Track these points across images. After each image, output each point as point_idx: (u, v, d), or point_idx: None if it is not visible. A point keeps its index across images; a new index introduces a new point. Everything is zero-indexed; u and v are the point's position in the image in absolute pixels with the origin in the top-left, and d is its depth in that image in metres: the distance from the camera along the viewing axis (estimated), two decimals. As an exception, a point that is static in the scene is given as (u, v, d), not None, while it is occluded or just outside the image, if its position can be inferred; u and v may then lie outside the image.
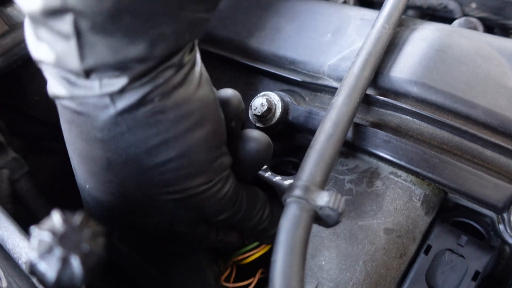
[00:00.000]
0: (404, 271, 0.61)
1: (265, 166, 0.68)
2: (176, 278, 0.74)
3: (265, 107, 0.68)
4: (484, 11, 0.77)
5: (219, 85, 0.81)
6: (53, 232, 0.32)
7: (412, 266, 0.61)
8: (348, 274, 0.60)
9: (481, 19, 0.77)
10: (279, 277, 0.44)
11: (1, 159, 0.84)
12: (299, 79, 0.69)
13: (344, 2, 0.83)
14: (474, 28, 0.75)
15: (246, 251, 0.72)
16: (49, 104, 0.96)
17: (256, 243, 0.72)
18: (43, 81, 0.92)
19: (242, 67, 0.78)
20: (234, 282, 0.73)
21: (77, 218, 0.34)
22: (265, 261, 0.78)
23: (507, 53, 0.62)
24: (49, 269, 0.32)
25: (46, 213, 0.95)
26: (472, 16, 0.77)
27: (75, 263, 0.32)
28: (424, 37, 0.64)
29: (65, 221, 0.33)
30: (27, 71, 0.88)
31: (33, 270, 0.33)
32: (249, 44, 0.77)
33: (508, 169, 0.58)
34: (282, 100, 0.68)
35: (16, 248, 0.53)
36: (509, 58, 0.62)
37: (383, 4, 0.64)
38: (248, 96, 0.78)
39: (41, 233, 0.33)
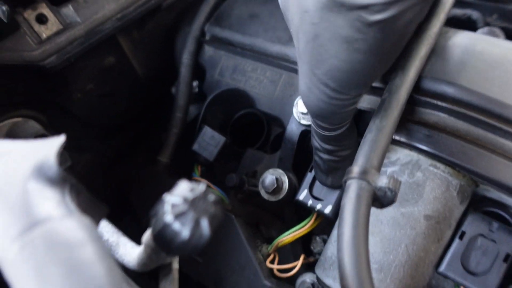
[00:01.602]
0: (441, 255, 0.67)
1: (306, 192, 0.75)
2: (221, 265, 0.79)
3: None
4: (505, 21, 0.84)
5: (258, 85, 0.87)
6: (185, 198, 0.38)
7: (448, 250, 0.67)
8: (391, 256, 0.66)
9: (502, 29, 0.84)
10: (348, 247, 0.49)
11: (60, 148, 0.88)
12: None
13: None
14: (497, 37, 0.82)
15: (286, 235, 0.78)
16: (89, 102, 1.01)
17: (294, 228, 0.77)
18: (86, 79, 0.98)
19: (282, 68, 0.84)
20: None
21: (201, 187, 0.39)
22: (306, 248, 0.84)
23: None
24: (183, 228, 0.37)
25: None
26: (494, 25, 0.84)
27: (204, 225, 0.37)
28: (457, 44, 0.71)
29: (192, 189, 0.39)
30: (73, 68, 0.92)
31: (165, 229, 0.38)
32: (290, 47, 0.83)
33: (535, 162, 0.64)
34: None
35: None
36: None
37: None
38: (287, 96, 0.84)
39: (173, 199, 0.38)
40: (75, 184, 0.40)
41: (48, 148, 0.40)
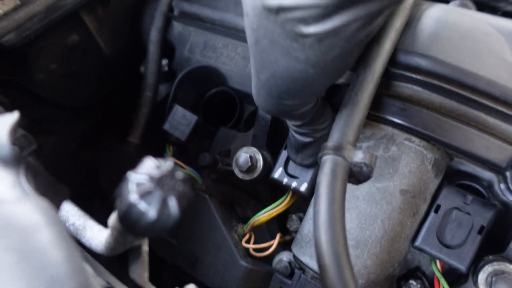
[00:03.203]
0: (417, 229, 0.67)
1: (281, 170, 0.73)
2: (196, 247, 0.77)
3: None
4: (477, -6, 0.83)
5: (230, 62, 0.85)
6: (151, 176, 0.35)
7: (423, 224, 0.67)
8: (368, 232, 0.65)
9: (474, 1, 0.83)
10: (324, 225, 0.48)
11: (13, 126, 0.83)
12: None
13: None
14: (468, 9, 0.81)
15: (262, 214, 0.76)
16: (53, 83, 0.96)
17: (270, 206, 0.76)
18: (49, 58, 0.93)
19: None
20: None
21: (169, 164, 0.37)
22: (283, 227, 0.83)
23: (505, 31, 0.68)
24: (150, 208, 0.35)
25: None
26: (466, -2, 0.83)
27: (172, 204, 0.35)
28: (430, 15, 0.70)
29: (158, 167, 0.36)
30: (34, 47, 0.87)
31: (131, 210, 0.35)
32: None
33: (508, 134, 0.64)
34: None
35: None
36: (506, 35, 0.68)
37: None
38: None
39: (138, 177, 0.36)
40: (32, 164, 0.37)
41: (0, 127, 0.37)
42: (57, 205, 0.43)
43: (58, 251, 0.30)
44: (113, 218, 0.43)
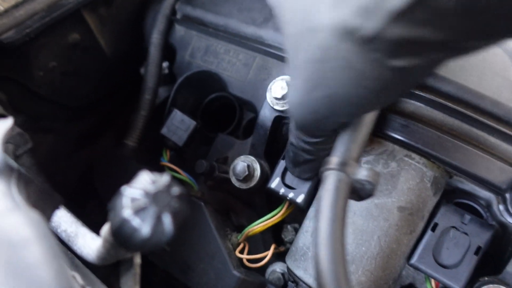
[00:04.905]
0: (413, 246, 0.66)
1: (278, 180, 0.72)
2: (189, 254, 0.76)
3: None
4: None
5: (231, 68, 0.84)
6: (146, 192, 0.35)
7: (420, 242, 0.66)
8: (363, 248, 0.65)
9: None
10: (325, 244, 0.47)
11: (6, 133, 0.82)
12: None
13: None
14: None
15: (257, 224, 0.76)
16: (52, 81, 0.95)
17: (265, 216, 0.75)
18: (48, 56, 0.92)
19: (256, 51, 0.81)
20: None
21: (164, 179, 0.36)
22: (277, 237, 0.82)
23: (510, 50, 0.68)
24: (143, 225, 0.34)
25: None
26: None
27: (167, 221, 0.34)
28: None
29: (154, 181, 0.35)
30: (34, 45, 0.86)
31: (124, 225, 0.35)
32: (265, 29, 0.80)
33: (509, 155, 0.63)
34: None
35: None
36: (511, 54, 0.68)
37: None
38: (260, 80, 0.81)
39: (133, 192, 0.35)
40: (24, 173, 0.36)
41: (-8, 134, 0.36)
42: (48, 214, 0.42)
43: (47, 268, 0.29)
44: (105, 230, 0.43)
